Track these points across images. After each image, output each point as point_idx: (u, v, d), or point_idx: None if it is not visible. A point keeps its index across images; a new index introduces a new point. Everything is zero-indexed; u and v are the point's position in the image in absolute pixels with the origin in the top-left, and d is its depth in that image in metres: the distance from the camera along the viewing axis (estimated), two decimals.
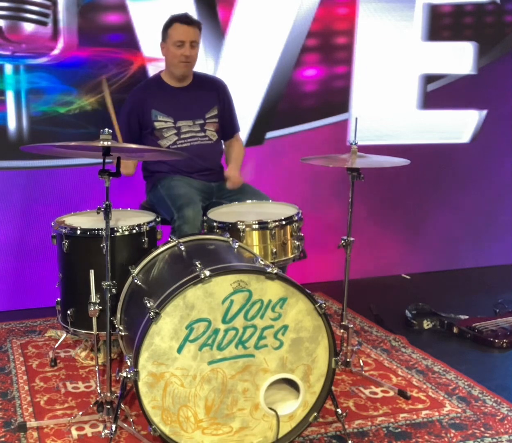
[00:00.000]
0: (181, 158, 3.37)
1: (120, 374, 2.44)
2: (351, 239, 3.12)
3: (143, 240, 3.04)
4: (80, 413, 2.74)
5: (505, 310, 4.01)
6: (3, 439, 2.62)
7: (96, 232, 2.96)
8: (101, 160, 2.53)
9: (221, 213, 3.22)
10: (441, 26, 4.66)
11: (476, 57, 4.75)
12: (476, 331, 3.63)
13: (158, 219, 3.18)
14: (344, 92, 4.50)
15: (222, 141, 3.74)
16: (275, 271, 2.41)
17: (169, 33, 3.49)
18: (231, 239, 2.85)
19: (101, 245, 2.83)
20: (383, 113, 4.62)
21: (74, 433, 2.66)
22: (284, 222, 3.08)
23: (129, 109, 3.56)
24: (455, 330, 3.71)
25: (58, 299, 3.16)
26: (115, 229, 2.97)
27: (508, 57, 4.85)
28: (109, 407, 2.63)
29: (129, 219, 3.13)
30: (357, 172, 3.05)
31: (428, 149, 4.74)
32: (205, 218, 3.18)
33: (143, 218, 3.16)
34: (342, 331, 3.18)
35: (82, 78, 3.89)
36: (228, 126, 3.73)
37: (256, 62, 4.26)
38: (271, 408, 2.50)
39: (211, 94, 3.66)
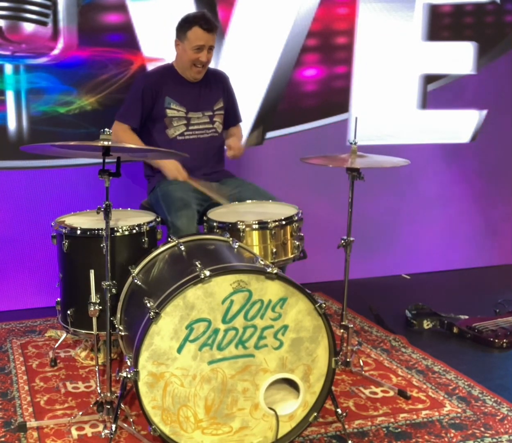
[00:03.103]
0: (182, 157, 3.37)
1: (120, 374, 2.44)
2: (351, 238, 3.13)
3: (143, 240, 3.04)
4: (80, 413, 2.73)
5: (505, 310, 4.01)
6: (3, 439, 2.62)
7: (96, 232, 2.96)
8: (101, 160, 2.53)
9: (221, 213, 3.22)
10: (441, 26, 4.65)
11: (476, 57, 4.74)
12: (476, 331, 3.63)
13: (158, 220, 3.18)
14: (344, 92, 4.50)
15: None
16: (275, 271, 2.41)
17: (188, 35, 3.51)
18: (231, 239, 2.85)
19: (101, 245, 2.83)
20: (383, 113, 4.62)
21: (74, 433, 2.65)
22: (284, 222, 3.08)
23: (144, 85, 3.56)
24: (455, 330, 3.71)
25: (58, 299, 3.16)
26: (115, 228, 2.97)
27: (508, 57, 4.85)
28: (109, 407, 2.63)
29: (129, 219, 3.13)
30: (357, 172, 3.05)
31: (428, 149, 4.74)
32: (205, 218, 3.18)
33: (143, 218, 3.16)
34: (342, 331, 3.18)
35: (82, 78, 3.88)
36: (231, 117, 3.81)
37: (256, 62, 4.26)
38: (271, 408, 2.50)
39: (217, 87, 3.74)
